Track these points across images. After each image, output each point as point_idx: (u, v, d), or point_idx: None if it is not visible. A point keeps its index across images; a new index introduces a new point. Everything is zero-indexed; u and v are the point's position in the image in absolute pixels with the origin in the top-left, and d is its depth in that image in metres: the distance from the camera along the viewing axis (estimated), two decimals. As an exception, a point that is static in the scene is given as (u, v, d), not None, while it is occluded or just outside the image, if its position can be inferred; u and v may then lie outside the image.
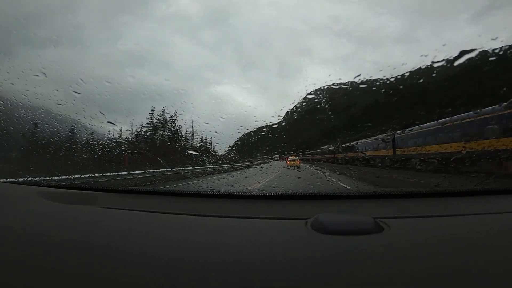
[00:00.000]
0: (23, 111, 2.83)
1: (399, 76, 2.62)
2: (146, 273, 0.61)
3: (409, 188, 1.91)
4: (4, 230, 0.92)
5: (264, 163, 7.71)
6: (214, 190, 1.53)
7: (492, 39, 1.86)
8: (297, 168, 7.08)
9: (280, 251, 0.74)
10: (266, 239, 0.84)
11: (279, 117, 4.02)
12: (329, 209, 1.15)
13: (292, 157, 7.45)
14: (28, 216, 1.08)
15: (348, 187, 3.14)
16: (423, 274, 0.59)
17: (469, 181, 1.94)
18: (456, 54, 1.83)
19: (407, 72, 2.57)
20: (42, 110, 2.87)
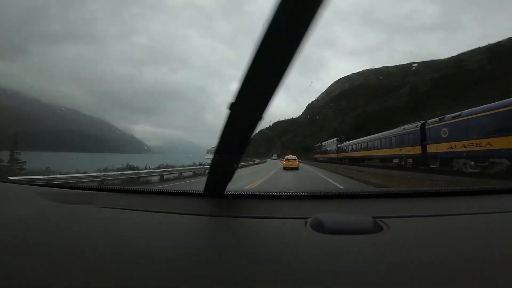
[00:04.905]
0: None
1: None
2: (146, 273, 0.61)
3: (408, 187, 1.91)
4: (4, 230, 0.92)
5: (262, 162, 7.24)
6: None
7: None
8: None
9: (279, 251, 0.74)
10: (265, 239, 0.84)
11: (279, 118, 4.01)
12: (328, 208, 1.15)
13: (289, 156, 7.03)
14: (28, 216, 1.08)
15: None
16: (423, 274, 0.59)
17: None
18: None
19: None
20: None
